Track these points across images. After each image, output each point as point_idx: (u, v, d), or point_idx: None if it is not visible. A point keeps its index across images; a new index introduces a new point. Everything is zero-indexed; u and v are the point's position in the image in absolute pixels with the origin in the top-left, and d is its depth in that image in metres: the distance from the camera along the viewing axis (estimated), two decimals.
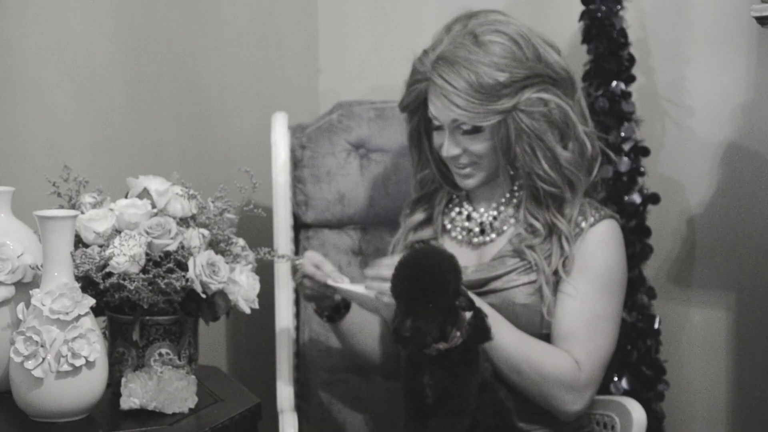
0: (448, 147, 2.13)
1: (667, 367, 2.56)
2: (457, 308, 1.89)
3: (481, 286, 2.13)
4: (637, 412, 2.13)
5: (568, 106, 2.12)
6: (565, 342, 2.09)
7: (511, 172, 2.17)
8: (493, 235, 2.19)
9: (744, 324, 2.61)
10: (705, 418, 2.66)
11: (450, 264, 1.89)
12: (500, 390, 2.00)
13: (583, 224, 2.14)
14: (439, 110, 2.11)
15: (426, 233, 2.24)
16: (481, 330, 1.92)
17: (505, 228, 2.18)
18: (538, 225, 2.14)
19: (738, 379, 2.62)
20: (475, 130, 2.11)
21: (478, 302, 2.00)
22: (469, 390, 1.91)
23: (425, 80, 2.12)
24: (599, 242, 2.13)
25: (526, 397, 2.08)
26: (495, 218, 2.19)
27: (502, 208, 2.19)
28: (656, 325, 2.55)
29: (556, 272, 2.12)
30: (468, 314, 1.92)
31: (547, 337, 2.12)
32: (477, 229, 2.20)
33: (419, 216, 2.26)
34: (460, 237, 2.21)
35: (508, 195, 2.19)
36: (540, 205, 2.14)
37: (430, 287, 1.85)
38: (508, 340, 2.05)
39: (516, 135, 2.09)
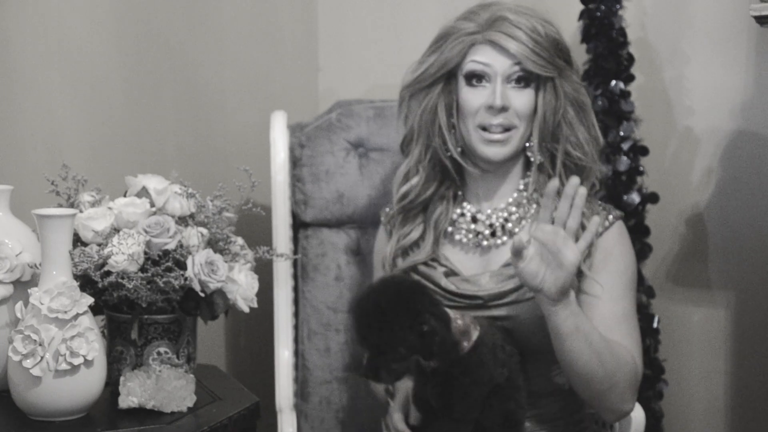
0: (499, 97, 2.05)
1: (666, 366, 2.56)
2: (425, 335, 1.84)
3: (499, 299, 2.07)
4: (635, 411, 2.13)
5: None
6: None
7: (529, 144, 2.10)
8: (505, 238, 2.12)
9: (743, 323, 2.61)
10: (703, 416, 2.66)
11: (406, 301, 1.83)
12: (512, 400, 1.97)
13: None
14: (494, 56, 2.06)
15: (419, 256, 2.14)
16: (439, 346, 1.87)
17: (516, 230, 2.12)
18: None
19: (737, 378, 2.62)
20: (526, 84, 2.07)
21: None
22: (471, 401, 1.90)
23: (474, 33, 2.07)
24: (616, 242, 2.10)
25: (588, 396, 2.02)
26: (506, 220, 2.13)
27: (512, 208, 2.13)
28: (655, 325, 2.55)
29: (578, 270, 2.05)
30: (475, 331, 1.91)
31: None
32: (487, 232, 2.13)
33: (414, 233, 2.17)
34: (465, 240, 2.14)
35: (515, 195, 2.14)
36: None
37: (378, 327, 1.82)
38: (592, 329, 1.97)
39: (564, 98, 2.08)
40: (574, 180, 1.92)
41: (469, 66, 2.08)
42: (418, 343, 1.83)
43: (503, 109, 2.06)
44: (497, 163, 2.10)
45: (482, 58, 2.07)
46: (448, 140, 2.12)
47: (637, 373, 2.05)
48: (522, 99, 2.07)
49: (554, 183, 1.94)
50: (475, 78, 2.08)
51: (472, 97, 2.08)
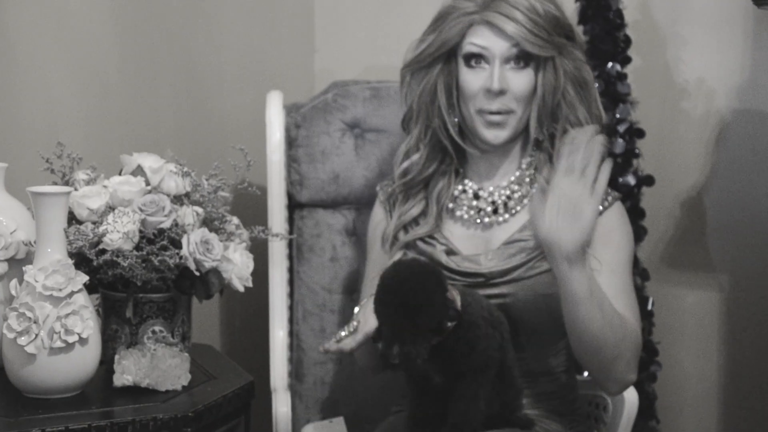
0: (496, 80, 2.04)
1: (660, 348, 2.57)
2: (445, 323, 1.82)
3: (501, 276, 2.07)
4: (629, 393, 2.14)
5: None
6: None
7: (535, 125, 2.09)
8: (507, 216, 2.12)
9: (736, 306, 2.61)
10: (696, 399, 2.67)
11: (436, 281, 1.80)
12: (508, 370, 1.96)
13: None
14: (492, 39, 2.05)
15: (422, 230, 2.14)
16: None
17: (518, 209, 2.12)
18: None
19: (729, 361, 2.63)
20: (525, 64, 2.06)
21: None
22: (473, 363, 1.87)
23: (472, 13, 2.06)
24: (616, 221, 2.10)
25: (596, 365, 1.99)
26: (509, 197, 2.13)
27: (515, 186, 2.13)
28: (649, 307, 2.55)
29: None
30: (457, 296, 1.89)
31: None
32: (489, 209, 2.13)
33: (414, 210, 2.17)
34: (466, 216, 2.13)
35: (518, 173, 2.14)
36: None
37: (416, 311, 1.77)
38: (604, 295, 1.95)
39: (564, 78, 2.06)
40: (591, 128, 1.91)
41: (467, 48, 2.07)
42: (436, 329, 1.81)
43: (501, 92, 2.05)
44: (497, 146, 2.11)
45: (480, 41, 2.06)
46: (447, 121, 2.12)
47: (639, 344, 2.04)
48: (521, 80, 2.07)
49: (572, 132, 1.93)
50: (474, 59, 2.07)
51: (471, 79, 2.08)
